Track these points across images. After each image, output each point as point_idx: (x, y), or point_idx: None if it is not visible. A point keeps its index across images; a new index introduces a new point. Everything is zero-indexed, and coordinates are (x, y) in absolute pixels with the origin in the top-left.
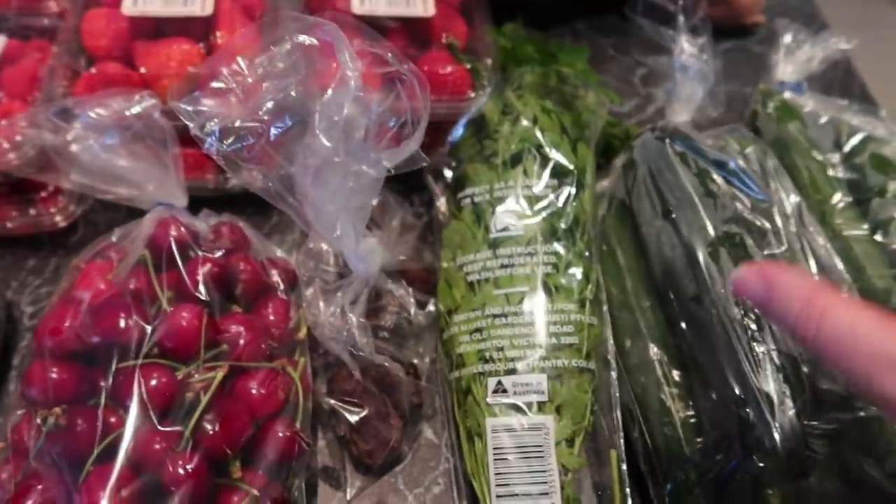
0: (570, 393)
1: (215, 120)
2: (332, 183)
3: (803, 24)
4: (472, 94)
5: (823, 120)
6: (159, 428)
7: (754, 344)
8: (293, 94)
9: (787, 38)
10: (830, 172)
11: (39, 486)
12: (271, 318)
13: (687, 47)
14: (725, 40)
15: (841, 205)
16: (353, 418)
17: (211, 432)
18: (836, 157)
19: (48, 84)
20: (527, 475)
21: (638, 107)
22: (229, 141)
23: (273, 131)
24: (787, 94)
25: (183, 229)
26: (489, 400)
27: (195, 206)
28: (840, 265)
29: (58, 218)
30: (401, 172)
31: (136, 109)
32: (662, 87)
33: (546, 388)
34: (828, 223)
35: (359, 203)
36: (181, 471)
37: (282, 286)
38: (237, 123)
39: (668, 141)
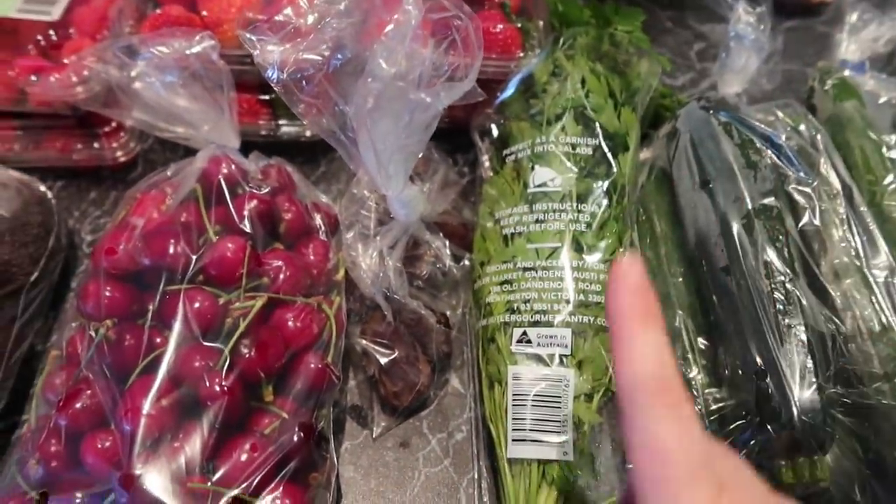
0: (593, 350)
1: (277, 49)
2: (387, 120)
3: (872, 3)
4: (522, 54)
5: (883, 100)
6: (199, 346)
7: (781, 317)
8: (352, 31)
9: (853, 17)
10: (885, 153)
11: (88, 391)
12: (311, 257)
13: (743, 16)
14: (790, 18)
15: (893, 186)
16: (383, 360)
17: (247, 356)
18: (893, 139)
19: (116, 23)
20: (542, 423)
21: (692, 81)
22: (290, 70)
23: (333, 63)
24: (847, 73)
25: (233, 167)
26: (513, 348)
27: (247, 152)
28: (885, 248)
29: (119, 153)
30: (445, 127)
31: (195, 49)
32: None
33: (570, 343)
34: (877, 204)
35: (411, 145)
36: (217, 387)
37: (323, 228)
38: (298, 55)
39: (712, 111)
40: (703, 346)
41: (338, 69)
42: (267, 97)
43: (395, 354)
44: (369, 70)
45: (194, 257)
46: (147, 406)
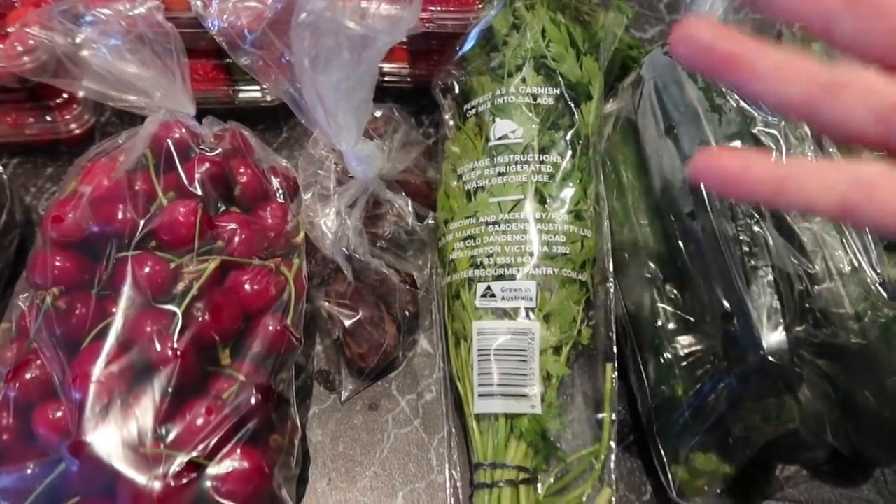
0: (560, 302)
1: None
2: (327, 61)
3: None
4: (480, 5)
5: None
6: (150, 310)
7: (747, 259)
8: None
9: None
10: None
11: (37, 362)
12: (269, 220)
13: None
14: None
15: None
16: (347, 322)
17: (200, 319)
18: None
19: None
20: (509, 377)
21: (662, 33)
22: (230, 19)
23: (274, 7)
24: None
25: (185, 131)
26: (477, 304)
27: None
28: None
29: (73, 125)
30: (409, 87)
31: (139, 10)
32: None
33: (535, 296)
34: (845, 145)
35: (359, 92)
36: (168, 350)
37: (281, 191)
38: (238, 3)
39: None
40: (672, 295)
41: (281, 17)
42: (224, 62)
43: (359, 316)
44: (300, 4)
45: (141, 222)
46: (96, 372)
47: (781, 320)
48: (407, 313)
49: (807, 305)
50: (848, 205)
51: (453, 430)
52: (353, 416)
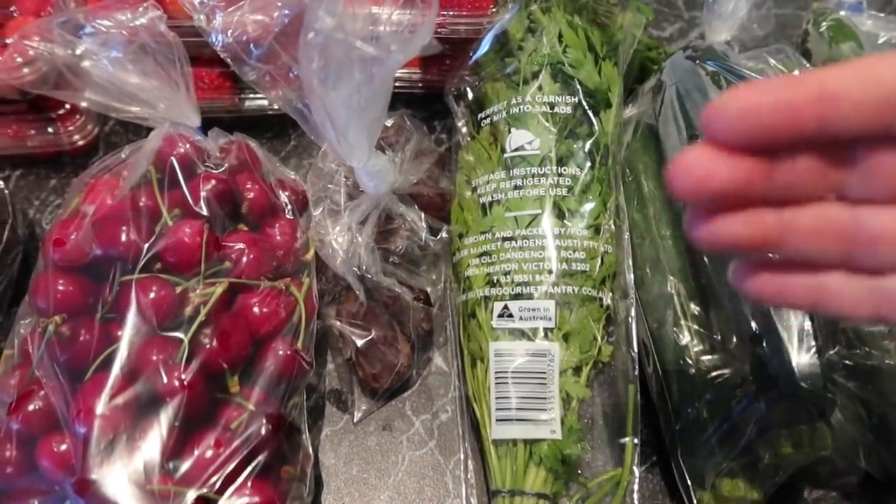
0: (579, 321)
1: (221, 12)
2: (338, 80)
3: None
4: (494, 9)
5: (882, 40)
6: (156, 338)
7: None
8: None
9: None
10: None
11: (41, 393)
12: (277, 237)
13: None
14: None
15: None
16: (360, 341)
17: (208, 346)
18: None
19: (60, 0)
20: (528, 400)
21: (681, 31)
22: (235, 33)
23: (281, 21)
24: (843, 13)
25: (189, 146)
26: (494, 324)
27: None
28: None
29: (76, 137)
30: (420, 92)
31: (141, 21)
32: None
33: (553, 315)
34: None
35: (371, 110)
36: (175, 381)
37: (290, 207)
38: (243, 16)
39: (699, 61)
40: (696, 312)
41: (288, 30)
42: (230, 70)
43: (372, 335)
44: (308, 23)
45: (145, 246)
46: (100, 406)
47: (813, 343)
48: (421, 331)
49: (839, 326)
50: (882, 315)
51: (469, 453)
52: (367, 438)
